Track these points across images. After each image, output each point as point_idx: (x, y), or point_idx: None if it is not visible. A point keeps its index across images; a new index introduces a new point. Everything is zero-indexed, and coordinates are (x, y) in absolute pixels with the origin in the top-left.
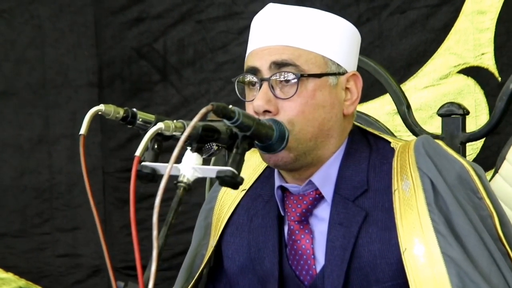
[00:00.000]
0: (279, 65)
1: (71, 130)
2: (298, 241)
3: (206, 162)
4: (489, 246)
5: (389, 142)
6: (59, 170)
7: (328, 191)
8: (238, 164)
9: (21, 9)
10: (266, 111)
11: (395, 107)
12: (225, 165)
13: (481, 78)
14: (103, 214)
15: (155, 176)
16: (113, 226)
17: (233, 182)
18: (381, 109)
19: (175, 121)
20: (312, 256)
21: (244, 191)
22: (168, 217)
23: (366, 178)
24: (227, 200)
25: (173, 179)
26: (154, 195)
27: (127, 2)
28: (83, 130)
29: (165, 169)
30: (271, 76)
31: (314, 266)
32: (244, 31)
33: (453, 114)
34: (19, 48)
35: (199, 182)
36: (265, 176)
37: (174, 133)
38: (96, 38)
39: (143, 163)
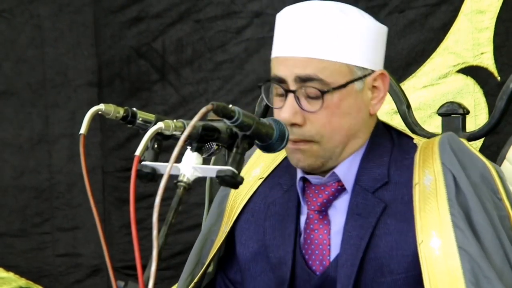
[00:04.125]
0: (303, 80)
1: (71, 130)
2: (316, 231)
3: (206, 161)
4: (505, 245)
5: (412, 138)
6: (59, 169)
7: (349, 182)
8: (238, 163)
9: (21, 8)
10: (293, 124)
11: (394, 106)
12: (225, 164)
13: (480, 77)
14: (103, 213)
15: (155, 176)
16: (112, 226)
17: (233, 181)
18: (380, 108)
19: (175, 120)
20: (328, 247)
21: (262, 180)
22: (168, 217)
23: (387, 171)
24: (243, 188)
25: (173, 179)
26: (153, 195)
27: (126, 2)
28: (83, 130)
29: (165, 168)
30: (296, 89)
31: (328, 257)
32: (242, 30)
33: (453, 114)
34: (19, 48)
35: (199, 182)
36: (284, 166)
37: (174, 133)
38: (95, 37)
39: (143, 163)
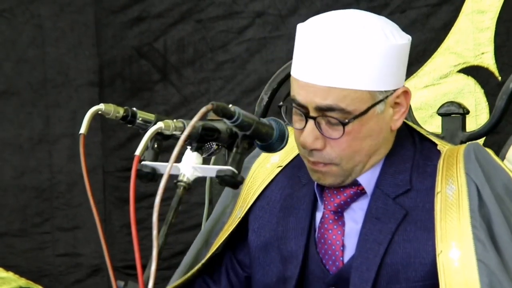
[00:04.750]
0: (324, 109)
1: (72, 130)
2: (330, 231)
3: (206, 161)
4: None
5: (436, 144)
6: (59, 169)
7: (369, 186)
8: (238, 163)
9: (22, 8)
10: (314, 149)
11: None
12: (225, 164)
13: (481, 77)
14: (103, 213)
15: (155, 176)
16: (113, 226)
17: (233, 181)
18: None
19: (175, 120)
20: (341, 248)
21: (280, 168)
22: (168, 216)
23: (409, 178)
24: (260, 174)
25: (173, 179)
26: (154, 194)
27: (128, 2)
28: (83, 130)
29: (165, 168)
30: (317, 117)
31: (341, 258)
32: (244, 31)
33: (453, 114)
34: (20, 48)
35: (199, 182)
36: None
37: (174, 133)
38: (96, 37)
39: (143, 163)
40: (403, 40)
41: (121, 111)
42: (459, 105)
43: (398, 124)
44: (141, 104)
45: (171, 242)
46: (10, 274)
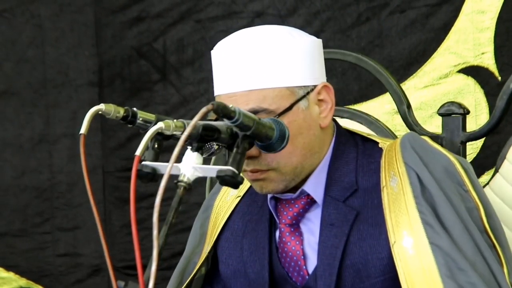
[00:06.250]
0: None
1: (72, 130)
2: (288, 243)
3: (206, 161)
4: (474, 236)
5: (377, 143)
6: (59, 169)
7: (319, 194)
8: (239, 163)
9: (22, 8)
10: (249, 157)
11: (394, 107)
12: (226, 164)
13: (481, 77)
14: (103, 213)
15: (155, 176)
16: (113, 226)
17: (234, 181)
18: (381, 108)
19: (175, 120)
20: (302, 257)
21: (239, 198)
22: (168, 217)
23: (355, 178)
24: (222, 207)
25: (174, 179)
26: (154, 195)
27: (127, 2)
28: (83, 130)
29: (166, 168)
30: None
31: (305, 267)
32: None
33: (453, 114)
34: (20, 48)
35: (199, 182)
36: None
37: (174, 133)
38: (96, 37)
39: (143, 163)
40: (311, 38)
41: (121, 111)
42: (460, 105)
43: (326, 121)
44: (140, 104)
45: (170, 242)
46: (10, 274)
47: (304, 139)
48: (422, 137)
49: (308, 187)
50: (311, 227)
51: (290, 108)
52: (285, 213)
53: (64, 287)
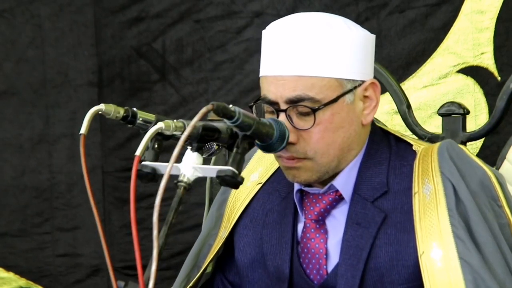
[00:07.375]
0: (294, 101)
1: (71, 130)
2: (312, 240)
3: (206, 161)
4: (506, 254)
5: (411, 145)
6: (59, 169)
7: (347, 191)
8: (239, 163)
9: (22, 8)
10: (288, 143)
11: (394, 107)
12: (226, 164)
13: (480, 77)
14: (103, 213)
15: (155, 176)
16: (112, 226)
17: (234, 181)
18: (380, 108)
19: (175, 120)
20: (325, 256)
21: (260, 185)
22: (168, 217)
23: (386, 180)
24: (242, 192)
25: (173, 179)
26: (153, 195)
27: (127, 2)
28: (83, 130)
29: (165, 168)
30: (287, 109)
31: (325, 266)
32: (242, 31)
33: (453, 114)
34: (20, 48)
35: (199, 182)
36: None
37: (174, 133)
38: (96, 37)
39: (143, 163)
40: (366, 32)
41: (121, 111)
42: (460, 105)
43: (369, 119)
44: (140, 104)
45: (170, 242)
46: (10, 274)
47: (344, 133)
48: (460, 146)
49: (337, 182)
50: (335, 224)
51: (336, 99)
52: (311, 208)
53: (64, 287)
